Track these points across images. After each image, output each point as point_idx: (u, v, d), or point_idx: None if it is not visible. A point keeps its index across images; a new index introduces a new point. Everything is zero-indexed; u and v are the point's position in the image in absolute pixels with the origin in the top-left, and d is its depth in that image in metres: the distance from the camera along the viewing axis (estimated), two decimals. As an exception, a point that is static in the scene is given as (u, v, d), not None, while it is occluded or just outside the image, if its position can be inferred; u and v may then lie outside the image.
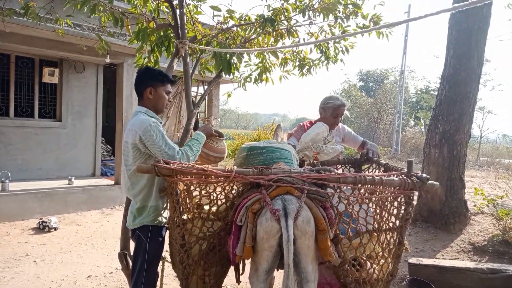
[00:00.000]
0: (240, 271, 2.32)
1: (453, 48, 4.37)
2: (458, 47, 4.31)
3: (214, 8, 3.24)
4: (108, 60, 6.70)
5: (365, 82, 29.92)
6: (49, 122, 7.88)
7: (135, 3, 3.17)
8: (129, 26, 3.61)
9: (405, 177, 2.06)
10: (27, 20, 3.56)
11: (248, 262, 2.20)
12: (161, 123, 2.46)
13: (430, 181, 2.05)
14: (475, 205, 5.46)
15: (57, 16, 3.41)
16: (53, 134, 7.87)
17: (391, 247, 2.19)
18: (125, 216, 2.98)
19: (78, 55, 6.96)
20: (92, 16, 3.11)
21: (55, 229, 5.72)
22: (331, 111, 3.29)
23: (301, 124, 3.51)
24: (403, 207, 2.14)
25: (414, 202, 2.15)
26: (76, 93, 8.15)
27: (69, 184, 7.14)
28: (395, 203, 2.14)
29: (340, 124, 3.47)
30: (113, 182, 7.73)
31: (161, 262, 2.81)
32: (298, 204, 1.93)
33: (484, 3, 1.70)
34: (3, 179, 6.16)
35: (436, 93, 19.07)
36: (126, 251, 2.97)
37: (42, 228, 5.69)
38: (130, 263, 2.84)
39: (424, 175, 2.06)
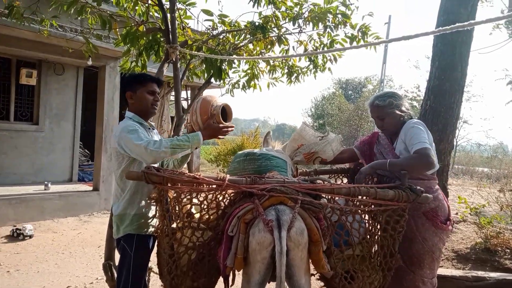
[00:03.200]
0: (230, 283, 2.26)
1: (438, 59, 4.46)
2: (443, 58, 4.40)
3: (207, 12, 3.19)
4: (90, 62, 6.52)
5: (344, 90, 30.38)
6: (26, 125, 7.60)
7: (124, 6, 3.08)
8: (117, 29, 3.52)
9: (399, 190, 2.06)
10: (8, 20, 3.41)
11: (237, 274, 2.15)
12: (149, 128, 2.41)
13: (424, 194, 2.06)
14: (457, 213, 5.57)
15: (42, 17, 3.29)
16: (29, 137, 7.59)
17: (383, 259, 2.18)
18: (110, 225, 2.88)
19: (59, 56, 6.74)
20: (79, 18, 3.01)
21: (30, 237, 5.48)
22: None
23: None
24: (396, 220, 2.13)
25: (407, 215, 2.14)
26: (55, 96, 7.91)
27: (45, 189, 6.87)
28: (389, 215, 2.13)
29: (408, 124, 2.44)
30: (91, 188, 7.50)
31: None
32: (291, 214, 1.90)
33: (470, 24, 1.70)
34: (-25, 184, 5.88)
35: (414, 102, 19.46)
36: (110, 261, 2.86)
37: (16, 236, 5.43)
38: (115, 274, 2.74)
39: (418, 187, 2.06)
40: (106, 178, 7.37)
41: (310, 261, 2.03)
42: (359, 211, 2.16)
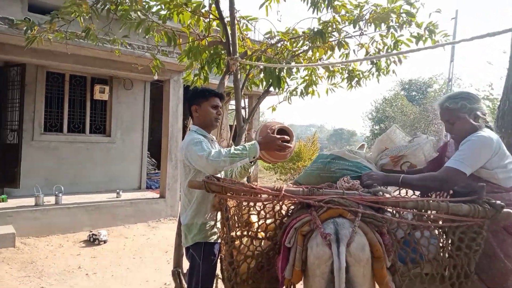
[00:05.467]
0: (289, 296, 2.21)
1: (517, 56, 4.05)
2: (523, 53, 4.00)
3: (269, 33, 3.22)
4: (156, 77, 6.88)
5: (407, 91, 28.73)
6: (99, 137, 8.23)
7: (188, 22, 3.21)
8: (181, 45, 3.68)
9: (475, 205, 1.87)
10: (85, 42, 3.74)
11: (297, 286, 2.09)
12: (212, 140, 2.47)
13: (505, 210, 1.84)
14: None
15: (114, 38, 3.56)
16: (103, 148, 8.20)
17: (457, 280, 1.99)
18: (178, 234, 3.00)
19: (128, 72, 7.22)
20: (147, 37, 3.21)
21: (105, 242, 5.88)
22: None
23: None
24: (471, 237, 1.94)
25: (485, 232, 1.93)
26: (125, 109, 8.48)
27: (117, 197, 7.36)
28: (462, 232, 1.94)
29: (472, 135, 2.19)
30: (158, 195, 7.88)
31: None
32: (351, 228, 1.81)
33: None
34: (56, 192, 6.45)
35: (487, 101, 17.84)
36: (179, 268, 2.97)
37: (93, 240, 5.87)
38: (183, 281, 2.84)
39: (498, 202, 1.85)
40: (171, 185, 7.72)
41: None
42: (429, 226, 1.99)
